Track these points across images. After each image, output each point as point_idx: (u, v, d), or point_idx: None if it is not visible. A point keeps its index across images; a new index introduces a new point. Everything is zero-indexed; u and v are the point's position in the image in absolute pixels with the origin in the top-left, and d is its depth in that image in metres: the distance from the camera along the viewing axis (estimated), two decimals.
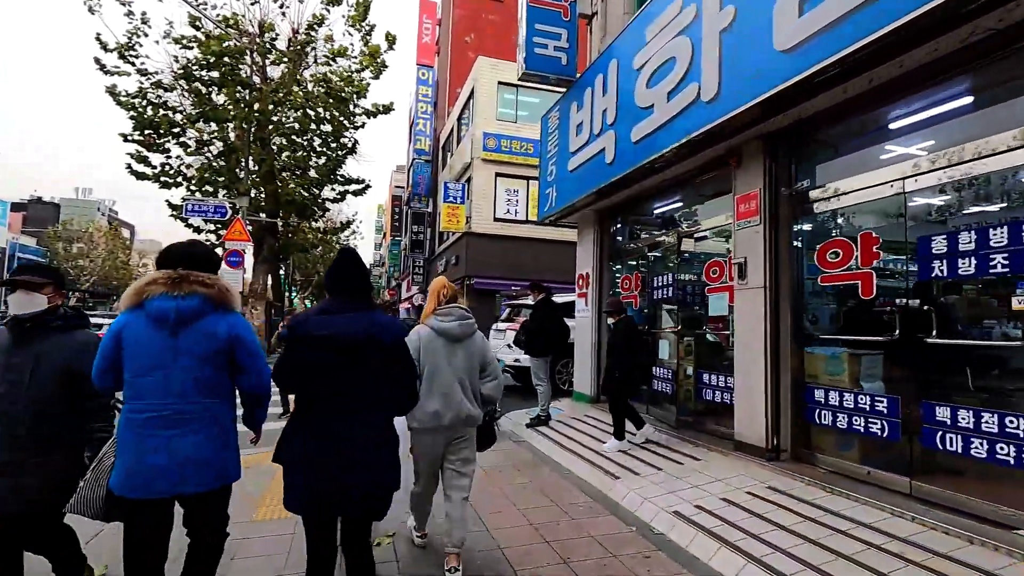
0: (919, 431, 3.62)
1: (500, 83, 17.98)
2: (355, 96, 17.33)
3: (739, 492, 4.08)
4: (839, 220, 4.56)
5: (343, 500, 2.10)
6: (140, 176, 17.15)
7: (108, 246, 59.73)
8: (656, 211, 7.36)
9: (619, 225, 8.16)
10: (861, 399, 4.04)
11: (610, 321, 5.86)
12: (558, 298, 9.46)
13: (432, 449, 3.00)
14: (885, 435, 3.84)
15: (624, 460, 5.11)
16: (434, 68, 25.96)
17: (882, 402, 3.89)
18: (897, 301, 3.89)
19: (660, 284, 6.76)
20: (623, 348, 5.52)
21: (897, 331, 3.84)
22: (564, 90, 8.22)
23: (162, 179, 17.13)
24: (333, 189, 19.23)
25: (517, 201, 17.96)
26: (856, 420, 4.05)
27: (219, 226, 17.64)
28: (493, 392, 3.15)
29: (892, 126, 4.07)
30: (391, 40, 17.11)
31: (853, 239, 4.11)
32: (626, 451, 5.40)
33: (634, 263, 7.82)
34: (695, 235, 6.36)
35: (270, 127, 16.86)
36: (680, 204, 6.89)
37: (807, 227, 4.80)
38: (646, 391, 6.94)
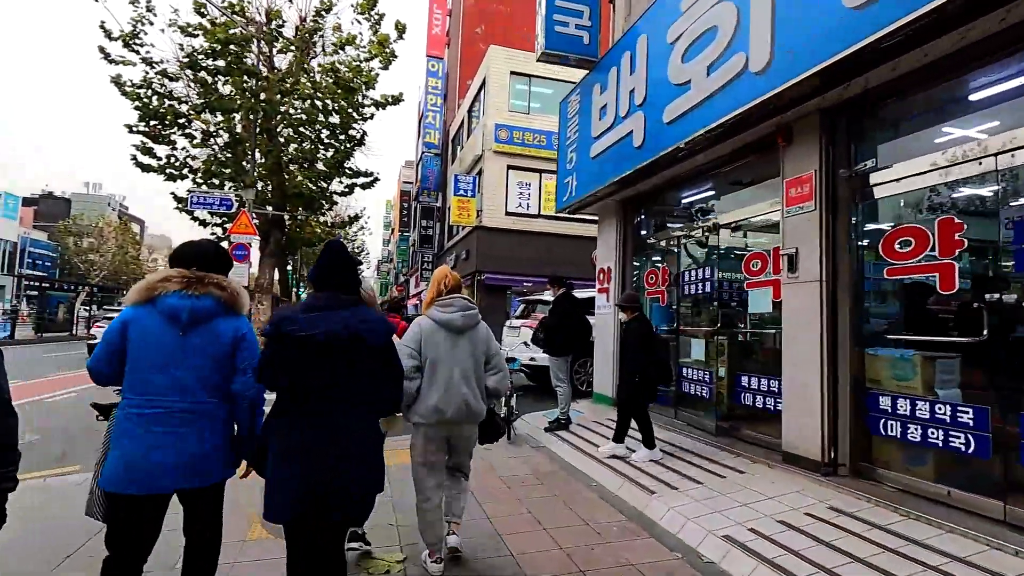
0: (1016, 448, 3.10)
1: (513, 73, 17.48)
2: (364, 86, 16.86)
3: (797, 513, 3.58)
4: (909, 205, 4.03)
5: (326, 503, 1.98)
6: (145, 168, 16.82)
7: (118, 241, 59.93)
8: (686, 200, 6.84)
9: (644, 216, 7.65)
10: (940, 409, 3.51)
11: (623, 317, 5.33)
12: (577, 294, 9.02)
13: (434, 443, 2.92)
14: (970, 451, 3.33)
15: (658, 472, 4.62)
16: (444, 60, 25.48)
17: (967, 413, 3.37)
18: (986, 296, 3.36)
19: (692, 279, 6.25)
20: (637, 346, 4.99)
21: (985, 331, 3.32)
22: (585, 72, 7.71)
23: (168, 171, 16.78)
24: (341, 182, 18.79)
25: (529, 195, 17.46)
26: (932, 433, 3.54)
27: (225, 219, 17.29)
28: (498, 385, 3.04)
29: (979, 95, 3.54)
30: (401, 29, 16.61)
31: (929, 226, 3.58)
32: (658, 461, 4.91)
33: (660, 257, 7.31)
34: (732, 225, 5.84)
35: (277, 117, 16.45)
36: (713, 192, 6.37)
37: (869, 213, 4.27)
38: (671, 393, 6.45)
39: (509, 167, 17.26)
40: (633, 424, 5.14)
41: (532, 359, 8.83)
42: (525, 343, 7.08)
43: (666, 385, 5.92)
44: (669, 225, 7.26)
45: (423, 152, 24.94)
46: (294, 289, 37.63)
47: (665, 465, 4.80)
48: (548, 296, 9.47)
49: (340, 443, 1.99)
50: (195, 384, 2.06)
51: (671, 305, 6.77)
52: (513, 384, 6.64)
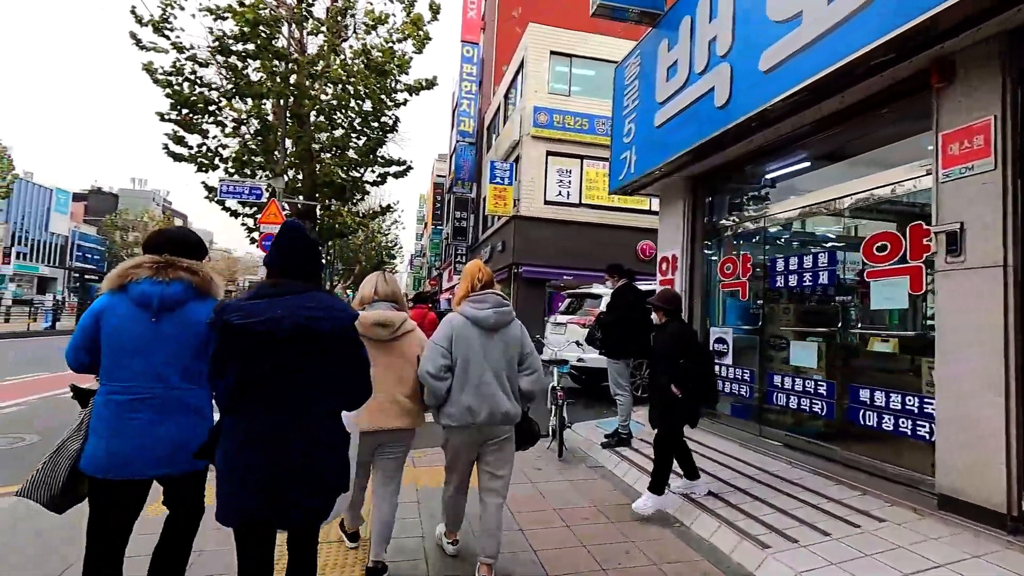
0: None
1: (553, 53, 16.41)
2: (396, 70, 16.10)
3: None
4: None
5: (277, 515, 1.81)
6: (177, 158, 16.45)
7: None
8: (774, 173, 5.71)
9: (718, 194, 6.53)
10: None
11: (655, 319, 4.16)
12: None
13: (465, 448, 2.79)
14: None
15: (760, 511, 3.58)
16: (479, 45, 24.57)
17: None
18: None
19: (786, 268, 5.14)
20: (675, 355, 3.78)
21: None
22: (647, 30, 6.63)
23: (199, 160, 16.40)
24: (373, 171, 18.12)
25: (570, 182, 16.39)
26: None
27: (255, 209, 16.81)
28: (533, 387, 2.84)
29: None
30: (435, 9, 15.78)
31: None
32: (761, 498, 3.85)
33: (740, 242, 6.20)
34: (841, 202, 4.70)
35: (307, 103, 15.85)
36: (814, 161, 5.23)
37: None
38: (754, 403, 5.37)
39: (548, 153, 16.22)
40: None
41: (580, 360, 7.83)
42: (577, 342, 6.08)
43: (711, 406, 4.79)
44: (751, 205, 6.13)
45: (457, 142, 24.12)
46: (328, 283, 37.52)
47: (766, 501, 3.75)
48: (600, 288, 8.46)
49: (290, 442, 1.81)
50: (170, 370, 2.05)
51: (754, 300, 5.67)
52: (564, 390, 5.68)
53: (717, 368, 5.95)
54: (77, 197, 79.89)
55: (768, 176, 5.80)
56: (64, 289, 54.06)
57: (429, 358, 2.68)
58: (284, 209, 16.82)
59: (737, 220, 6.16)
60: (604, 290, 8.27)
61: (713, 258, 6.48)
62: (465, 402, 2.65)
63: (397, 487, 2.85)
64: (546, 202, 16.13)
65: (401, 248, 56.89)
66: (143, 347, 2.02)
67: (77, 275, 55.29)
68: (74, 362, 2.08)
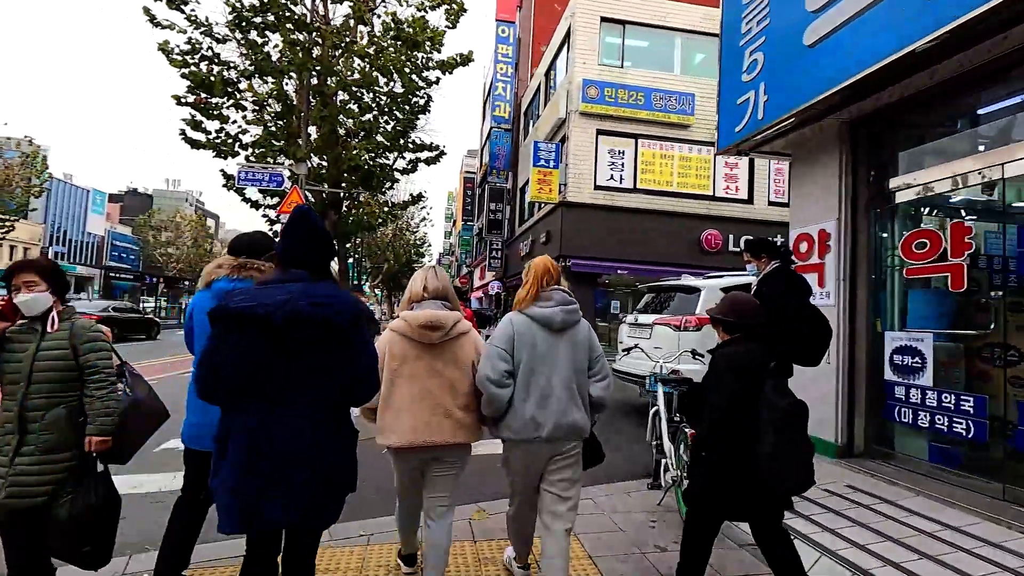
0: None
1: (604, 20, 14.57)
2: (428, 43, 14.50)
3: None
4: None
5: (279, 517, 1.72)
6: (195, 145, 15.20)
7: (193, 234, 61.78)
8: (993, 108, 3.84)
9: (890, 144, 4.65)
10: None
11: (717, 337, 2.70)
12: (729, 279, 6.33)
13: (529, 466, 2.40)
14: None
15: None
16: (515, 24, 22.86)
17: None
18: None
19: None
20: (732, 396, 2.36)
21: None
22: None
23: (217, 146, 15.12)
24: (403, 156, 16.59)
25: (623, 165, 14.53)
26: None
27: (277, 199, 15.44)
28: (603, 394, 2.44)
29: None
30: None
31: None
32: None
33: (937, 212, 4.33)
34: None
35: (332, 80, 14.40)
36: None
37: None
38: (995, 456, 3.50)
39: (599, 132, 14.40)
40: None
41: (675, 372, 6.00)
42: (694, 352, 4.26)
43: (802, 490, 2.89)
44: (961, 153, 4.23)
45: (491, 128, 22.48)
46: (355, 281, 36.37)
47: None
48: (697, 280, 6.63)
49: (297, 440, 1.72)
50: None
51: (979, 291, 3.80)
52: (676, 410, 3.97)
53: (904, 391, 4.11)
54: (113, 198, 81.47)
55: (986, 111, 3.93)
56: (99, 289, 54.45)
57: (488, 362, 2.32)
58: (307, 199, 15.43)
59: (931, 179, 4.24)
60: (703, 283, 6.44)
61: (883, 234, 4.62)
62: (529, 413, 2.31)
63: (451, 508, 2.52)
64: (596, 187, 14.32)
65: (430, 246, 55.61)
66: None
67: (113, 274, 55.77)
68: (190, 349, 2.42)
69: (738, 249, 14.54)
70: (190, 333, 2.40)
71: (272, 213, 16.73)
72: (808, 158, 5.09)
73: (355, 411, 2.00)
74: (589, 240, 13.84)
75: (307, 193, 16.00)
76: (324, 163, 15.59)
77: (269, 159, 15.10)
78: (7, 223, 27.95)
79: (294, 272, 1.80)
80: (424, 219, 47.57)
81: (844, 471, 4.26)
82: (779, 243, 4.05)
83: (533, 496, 2.49)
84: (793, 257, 5.20)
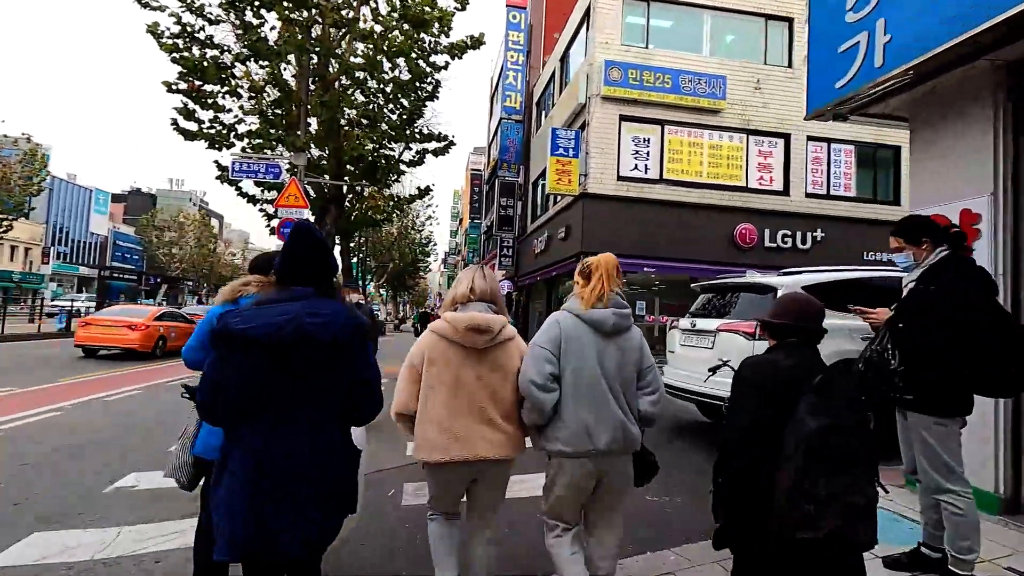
0: None
1: None
2: (436, 23, 13.41)
3: None
4: None
5: (276, 548, 1.62)
6: (188, 136, 14.14)
7: (196, 234, 61.04)
8: None
9: None
10: None
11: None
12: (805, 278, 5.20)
13: (580, 483, 2.17)
14: None
15: None
16: (526, 9, 21.73)
17: None
18: None
19: None
20: (744, 413, 1.96)
21: None
22: None
23: (212, 137, 14.07)
24: (409, 147, 15.50)
25: (647, 154, 13.38)
26: None
27: (276, 192, 14.35)
28: (653, 410, 2.25)
29: None
30: None
31: None
32: None
33: None
34: None
35: (333, 64, 13.35)
36: None
37: None
38: None
39: (622, 118, 13.26)
40: None
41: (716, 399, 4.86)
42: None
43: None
44: None
45: (501, 119, 21.37)
46: (360, 281, 35.35)
47: None
48: (771, 278, 5.49)
49: (299, 463, 1.65)
50: None
51: None
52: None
53: None
54: (117, 198, 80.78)
55: None
56: (95, 290, 53.67)
57: (532, 364, 2.14)
58: (308, 193, 14.38)
59: None
60: (778, 280, 5.30)
61: None
62: (581, 421, 2.11)
63: (492, 531, 2.38)
64: (619, 178, 13.17)
65: (435, 245, 54.57)
66: None
67: (110, 274, 55.07)
68: (192, 359, 2.39)
69: (774, 245, 13.37)
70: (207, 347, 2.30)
71: (270, 208, 15.69)
72: (942, 117, 3.92)
73: (393, 418, 2.14)
74: (612, 235, 12.70)
75: (308, 188, 14.97)
76: (325, 154, 14.54)
77: (267, 151, 14.05)
78: (4, 222, 27.02)
79: (297, 290, 1.76)
80: (430, 217, 46.52)
81: (1009, 533, 3.12)
82: (953, 228, 2.90)
83: (577, 517, 2.30)
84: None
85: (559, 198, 15.17)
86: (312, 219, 15.70)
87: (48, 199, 60.61)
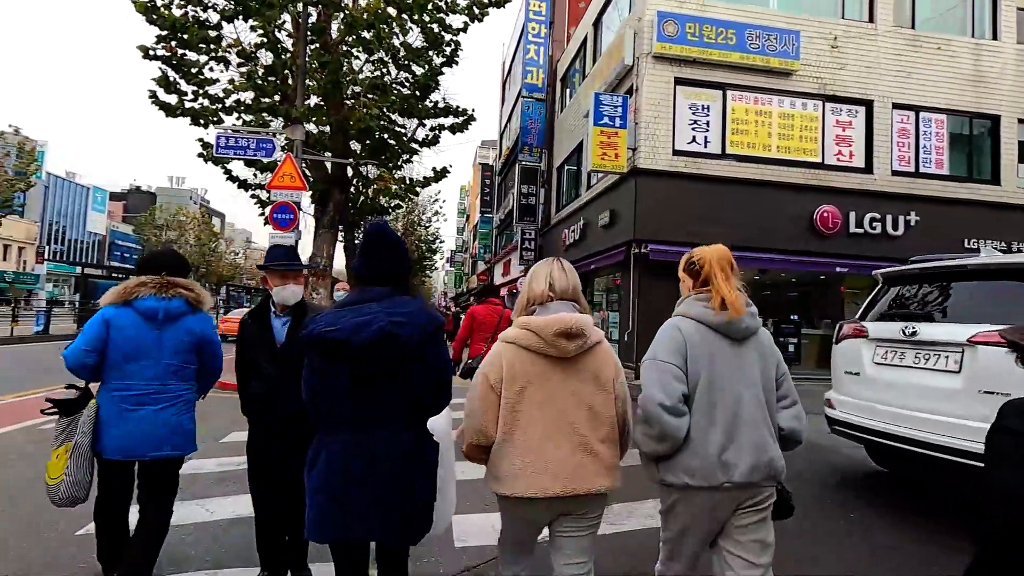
0: None
1: None
2: None
3: None
4: None
5: (363, 532, 1.76)
6: (169, 111, 12.12)
7: (196, 233, 59.42)
8: None
9: None
10: None
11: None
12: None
13: (707, 519, 1.79)
14: None
15: None
16: None
17: None
18: None
19: None
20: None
21: None
22: None
23: (197, 112, 12.06)
24: (423, 124, 13.47)
25: (707, 124, 11.32)
26: None
27: (270, 174, 12.29)
28: (796, 426, 1.86)
29: None
30: None
31: None
32: None
33: None
34: None
35: (336, 19, 11.33)
36: None
37: None
38: None
39: (677, 81, 11.20)
40: None
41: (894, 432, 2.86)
42: None
43: None
44: None
45: (521, 97, 19.32)
46: None
47: None
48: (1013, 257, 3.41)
49: (377, 459, 1.75)
50: (166, 371, 2.46)
51: None
52: None
53: None
54: (116, 196, 79.18)
55: None
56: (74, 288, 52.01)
57: (657, 383, 1.74)
58: (305, 175, 12.37)
59: None
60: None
61: None
62: (715, 448, 1.72)
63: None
64: (675, 152, 11.11)
65: (442, 242, 52.48)
66: (148, 351, 2.42)
67: (104, 274, 53.35)
68: (78, 362, 2.37)
69: (861, 231, 11.28)
70: (99, 342, 2.39)
71: (264, 194, 13.69)
72: None
73: (463, 449, 1.89)
74: (669, 220, 10.66)
75: (307, 171, 12.98)
76: (326, 130, 12.53)
77: (259, 126, 12.04)
78: None
79: (375, 290, 1.83)
80: (437, 212, 44.47)
81: None
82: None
83: (698, 559, 1.89)
84: None
85: (593, 180, 13.10)
86: (312, 205, 13.73)
87: (44, 197, 58.99)
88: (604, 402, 1.82)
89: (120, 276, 53.36)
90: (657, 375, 1.76)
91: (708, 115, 11.32)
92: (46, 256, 52.93)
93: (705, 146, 11.26)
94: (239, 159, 11.79)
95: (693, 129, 11.26)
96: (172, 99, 11.83)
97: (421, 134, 14.04)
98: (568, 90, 18.09)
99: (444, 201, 57.09)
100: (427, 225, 44.32)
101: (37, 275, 50.28)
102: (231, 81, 12.17)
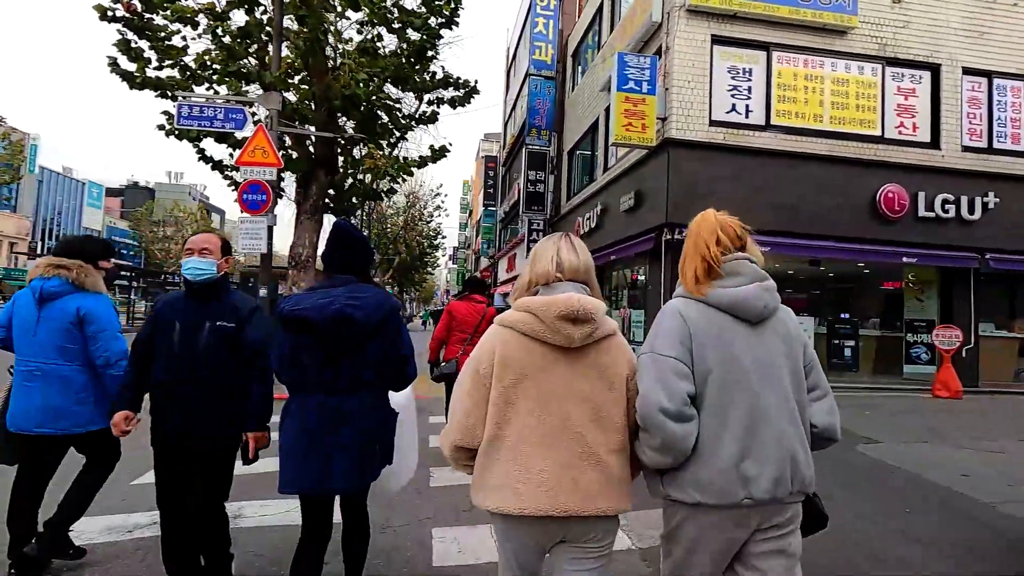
0: None
1: None
2: None
3: None
4: None
5: (326, 487, 2.07)
6: (134, 82, 10.58)
7: (194, 228, 58.16)
8: None
9: None
10: None
11: None
12: None
13: (720, 542, 1.48)
14: None
15: None
16: None
17: None
18: None
19: None
20: None
21: None
22: None
23: (163, 82, 10.53)
24: (420, 96, 11.90)
25: (749, 91, 9.71)
26: None
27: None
28: (830, 421, 1.58)
29: None
30: None
31: None
32: None
33: None
34: None
35: None
36: None
37: None
38: None
39: (714, 40, 9.60)
40: None
41: None
42: None
43: None
44: None
45: (528, 75, 17.71)
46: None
47: None
48: None
49: (340, 421, 2.04)
50: (44, 348, 2.58)
51: None
52: None
53: None
54: (114, 192, 77.96)
55: None
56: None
57: (657, 382, 1.44)
58: (289, 157, 10.90)
59: None
60: None
61: None
62: (729, 458, 1.42)
63: None
64: (712, 122, 9.50)
65: (444, 238, 50.91)
66: (30, 329, 2.59)
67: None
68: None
69: (932, 214, 9.65)
70: (6, 319, 2.68)
71: (239, 177, 12.08)
72: None
73: (445, 453, 1.63)
74: (706, 200, 9.03)
75: (291, 151, 11.45)
76: (308, 101, 10.96)
77: (231, 94, 10.50)
78: None
79: (339, 278, 2.16)
80: (439, 207, 42.90)
81: None
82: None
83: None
84: None
85: (610, 161, 11.49)
86: (293, 187, 12.18)
87: (37, 192, 57.74)
88: (615, 405, 1.54)
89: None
90: (656, 373, 1.46)
91: (750, 80, 9.70)
92: (39, 252, 51.68)
93: (747, 116, 9.65)
94: (204, 132, 10.26)
95: (733, 96, 9.64)
96: (134, 68, 10.34)
97: (417, 109, 12.49)
98: (580, 67, 16.49)
99: (446, 195, 55.53)
100: (428, 220, 42.80)
101: (27, 272, 49.10)
102: (204, 53, 10.62)
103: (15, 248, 49.65)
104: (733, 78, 9.65)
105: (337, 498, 2.17)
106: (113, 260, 2.98)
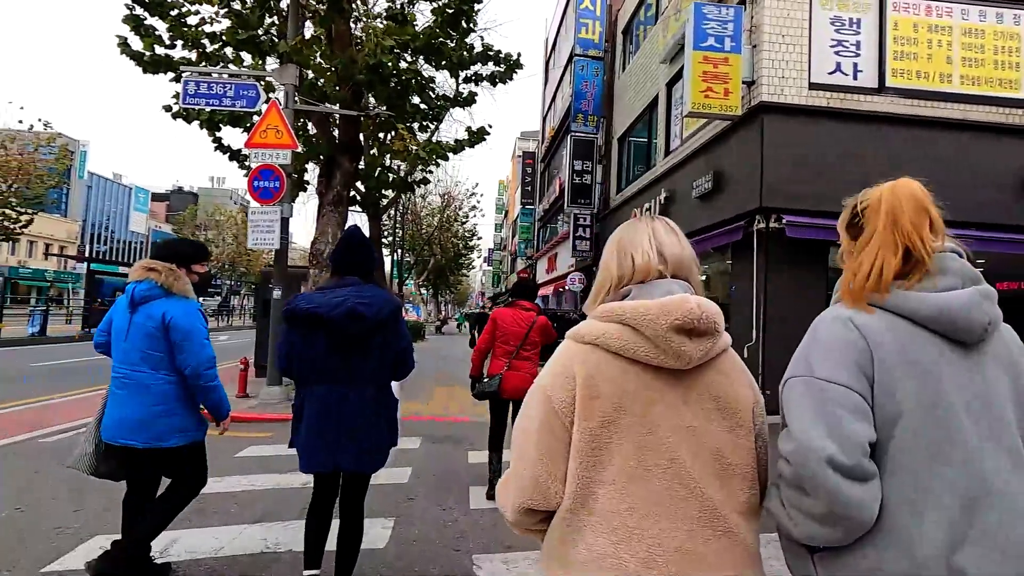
0: None
1: None
2: None
3: None
4: None
5: (336, 465, 2.38)
6: (147, 66, 9.54)
7: (234, 232, 59.07)
8: None
9: None
10: None
11: None
12: None
13: None
14: None
15: None
16: None
17: None
18: None
19: None
20: None
21: None
22: None
23: (176, 63, 9.49)
24: (456, 72, 10.50)
25: (858, 47, 7.90)
26: None
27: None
28: None
29: None
30: None
31: None
32: None
33: None
34: None
35: None
36: None
37: None
38: None
39: None
40: None
41: None
42: None
43: None
44: None
45: (575, 54, 16.15)
46: (397, 279, 30.90)
47: None
48: None
49: (347, 409, 2.33)
50: (133, 354, 2.50)
51: None
52: None
53: None
54: (160, 197, 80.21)
55: None
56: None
57: (821, 418, 0.93)
58: (313, 140, 9.68)
59: None
60: None
61: None
62: (939, 542, 0.89)
63: None
64: (812, 85, 7.74)
65: (480, 239, 49.65)
66: (123, 334, 2.53)
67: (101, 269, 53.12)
68: (95, 341, 2.70)
69: None
70: (106, 323, 2.66)
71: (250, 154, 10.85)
72: None
73: (506, 516, 1.15)
74: (808, 180, 7.29)
75: (314, 133, 10.23)
76: (329, 72, 9.70)
77: (244, 71, 9.35)
78: (24, 216, 23.33)
79: (348, 279, 2.42)
80: (474, 208, 41.54)
81: None
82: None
83: None
84: None
85: (673, 141, 9.79)
86: (314, 174, 10.97)
87: (87, 197, 59.59)
88: (741, 448, 1.06)
89: (103, 272, 53.03)
90: (817, 406, 0.94)
91: (859, 33, 7.89)
92: (87, 255, 53.15)
93: (855, 77, 7.84)
94: (215, 112, 9.13)
95: (838, 53, 7.85)
96: (143, 47, 9.31)
97: (453, 89, 11.09)
98: (631, 45, 14.84)
99: (482, 195, 54.38)
100: (463, 221, 41.59)
101: (79, 275, 50.39)
102: (221, 33, 9.52)
103: (64, 251, 51.02)
104: (837, 31, 7.86)
105: (337, 499, 2.51)
106: (207, 264, 2.88)
